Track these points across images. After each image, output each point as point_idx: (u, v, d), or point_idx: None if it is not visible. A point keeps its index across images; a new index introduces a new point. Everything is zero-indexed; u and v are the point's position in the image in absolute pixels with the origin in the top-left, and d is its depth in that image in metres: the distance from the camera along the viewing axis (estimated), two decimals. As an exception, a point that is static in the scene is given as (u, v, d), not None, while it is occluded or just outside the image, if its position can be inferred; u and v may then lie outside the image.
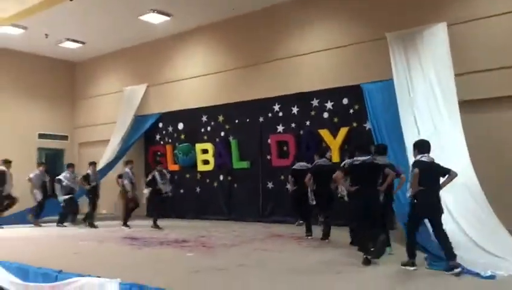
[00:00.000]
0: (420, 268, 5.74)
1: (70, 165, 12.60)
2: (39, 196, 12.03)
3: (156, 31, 14.14)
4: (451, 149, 8.33)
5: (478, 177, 7.72)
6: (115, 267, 6.04)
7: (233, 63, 13.18)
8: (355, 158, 6.56)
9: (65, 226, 11.78)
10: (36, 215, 12.11)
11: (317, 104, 11.52)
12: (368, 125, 10.45)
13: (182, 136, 14.34)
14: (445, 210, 7.24)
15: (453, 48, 8.94)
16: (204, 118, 13.80)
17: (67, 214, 12.10)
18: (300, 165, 9.14)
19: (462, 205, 7.51)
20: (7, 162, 11.92)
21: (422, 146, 6.09)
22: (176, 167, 14.15)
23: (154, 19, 13.22)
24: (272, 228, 10.57)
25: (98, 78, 16.97)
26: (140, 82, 15.26)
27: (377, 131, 9.68)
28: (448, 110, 8.69)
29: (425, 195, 5.73)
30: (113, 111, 15.62)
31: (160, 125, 14.94)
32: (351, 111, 11.00)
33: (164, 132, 14.88)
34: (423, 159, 5.93)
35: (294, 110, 11.92)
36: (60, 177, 12.17)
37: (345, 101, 11.08)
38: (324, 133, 11.25)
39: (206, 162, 13.62)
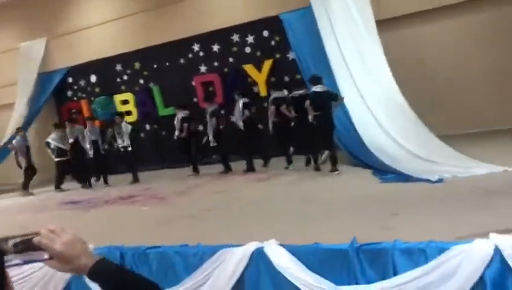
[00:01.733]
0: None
1: (57, 126, 11.29)
2: (24, 163, 11.18)
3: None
4: (374, 69, 8.81)
5: (403, 92, 8.29)
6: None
7: (142, 5, 12.36)
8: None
9: (63, 190, 10.85)
10: (25, 184, 11.26)
11: (238, 40, 11.36)
12: (291, 56, 10.57)
13: (97, 89, 13.53)
14: (379, 128, 7.81)
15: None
16: (118, 67, 13.05)
17: (63, 178, 11.18)
18: (185, 113, 10.32)
19: (392, 120, 8.06)
20: (18, 131, 11.59)
21: (314, 80, 7.85)
22: (96, 123, 13.40)
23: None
24: (210, 170, 10.55)
25: (-14, 36, 15.16)
26: (39, 36, 13.88)
27: (302, 61, 9.82)
28: (368, 31, 9.03)
29: (320, 117, 7.46)
30: (13, 71, 14.15)
31: (70, 80, 13.90)
32: (273, 43, 11.02)
33: (76, 87, 13.90)
34: (317, 89, 7.62)
35: (215, 48, 11.68)
36: (48, 140, 11.05)
37: (266, 33, 11.04)
38: (248, 68, 11.22)
39: (128, 113, 13.04)
